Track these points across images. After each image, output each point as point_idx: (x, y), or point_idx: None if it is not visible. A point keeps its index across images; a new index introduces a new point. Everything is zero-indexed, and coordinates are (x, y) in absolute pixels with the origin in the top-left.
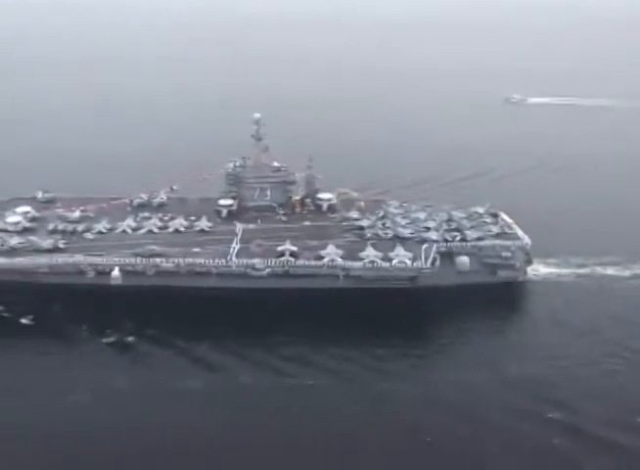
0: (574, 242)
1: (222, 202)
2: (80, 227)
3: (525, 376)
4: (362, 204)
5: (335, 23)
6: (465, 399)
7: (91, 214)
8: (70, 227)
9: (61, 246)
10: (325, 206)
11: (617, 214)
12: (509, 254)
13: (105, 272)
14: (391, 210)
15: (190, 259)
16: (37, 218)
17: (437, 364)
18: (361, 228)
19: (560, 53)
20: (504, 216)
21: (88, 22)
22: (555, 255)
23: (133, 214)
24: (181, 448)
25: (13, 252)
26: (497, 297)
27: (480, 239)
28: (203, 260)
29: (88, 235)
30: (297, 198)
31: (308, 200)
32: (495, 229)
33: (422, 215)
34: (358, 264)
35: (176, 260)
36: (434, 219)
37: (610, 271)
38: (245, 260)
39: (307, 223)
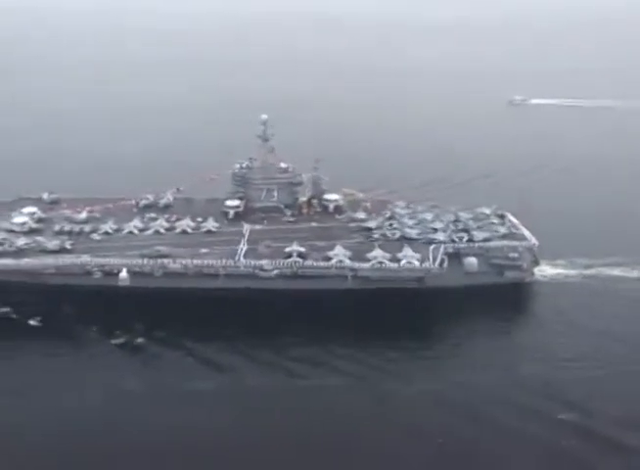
0: (581, 243)
1: (229, 203)
2: (87, 228)
3: (534, 377)
4: (368, 205)
5: (336, 23)
6: (474, 400)
7: (97, 215)
8: (77, 228)
9: (67, 247)
10: (332, 207)
11: (623, 215)
12: (516, 254)
13: (112, 273)
14: (398, 210)
15: (198, 261)
16: (43, 219)
17: (446, 365)
18: (369, 229)
19: (560, 53)
20: (511, 217)
21: (93, 24)
22: (562, 256)
23: (139, 215)
24: (190, 449)
25: (19, 252)
26: (504, 298)
27: (487, 240)
28: (211, 261)
29: (95, 236)
30: (304, 199)
31: (315, 201)
32: (502, 230)
33: (429, 216)
34: (366, 265)
35: (184, 262)
36: (442, 220)
37: (616, 272)
38: (253, 261)
39: (314, 224)
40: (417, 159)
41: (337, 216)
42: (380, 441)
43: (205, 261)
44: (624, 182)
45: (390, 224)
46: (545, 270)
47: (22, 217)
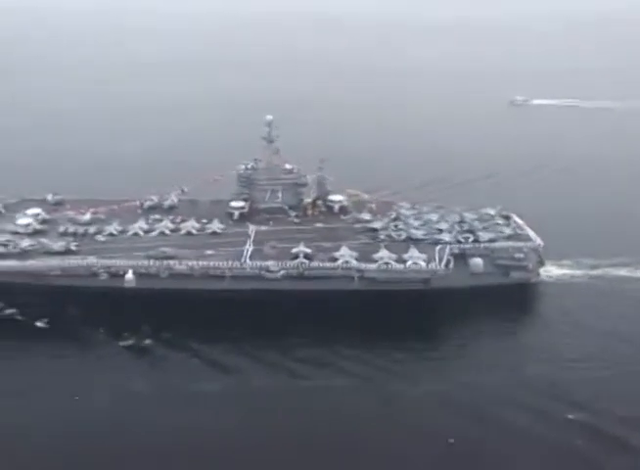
0: (586, 243)
1: (234, 204)
2: (91, 229)
3: (540, 377)
4: (373, 205)
5: (336, 23)
6: (480, 401)
7: (102, 217)
8: (82, 229)
9: (72, 248)
10: (336, 208)
11: (628, 216)
12: (522, 255)
13: (118, 275)
14: (403, 211)
15: (204, 262)
16: (47, 220)
17: (452, 366)
18: (374, 230)
19: (560, 54)
20: (516, 218)
21: (93, 24)
22: (567, 256)
23: (144, 217)
24: (196, 450)
25: (24, 254)
26: (510, 298)
27: (492, 240)
28: (217, 263)
29: (99, 237)
30: (309, 200)
31: (320, 202)
32: (508, 231)
33: (434, 217)
34: (373, 266)
35: (190, 263)
36: (447, 221)
37: (622, 272)
38: (259, 263)
39: (320, 225)
40: (418, 159)
41: (342, 217)
42: (386, 441)
43: (212, 263)
44: (629, 183)
45: (396, 225)
46: (551, 271)
47: (26, 219)
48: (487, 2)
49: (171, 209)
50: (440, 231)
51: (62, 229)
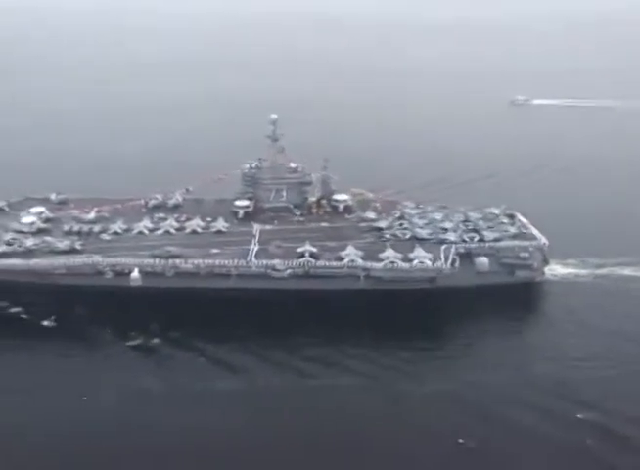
0: (590, 243)
1: (238, 203)
2: (96, 228)
3: (546, 376)
4: (378, 205)
5: (336, 23)
6: (485, 400)
7: (106, 215)
8: (86, 228)
9: (77, 247)
10: (341, 207)
11: (633, 215)
12: (527, 254)
13: (123, 273)
14: (408, 210)
15: (210, 261)
16: (51, 219)
17: (458, 365)
18: (379, 229)
19: (560, 54)
20: (520, 217)
21: (93, 24)
22: (571, 255)
23: (149, 215)
24: (203, 450)
25: (29, 253)
26: (515, 297)
27: (497, 240)
28: (223, 262)
29: (104, 236)
30: (314, 199)
31: (324, 201)
32: (512, 230)
33: (439, 216)
34: (379, 265)
35: (196, 262)
36: (451, 220)
37: (627, 272)
38: (265, 261)
39: (325, 224)
40: (420, 159)
41: (346, 216)
42: (393, 440)
43: (218, 262)
44: (630, 182)
45: (401, 224)
46: (556, 270)
47: (30, 217)
48: (487, 2)
49: (176, 207)
50: (445, 230)
51: (66, 228)
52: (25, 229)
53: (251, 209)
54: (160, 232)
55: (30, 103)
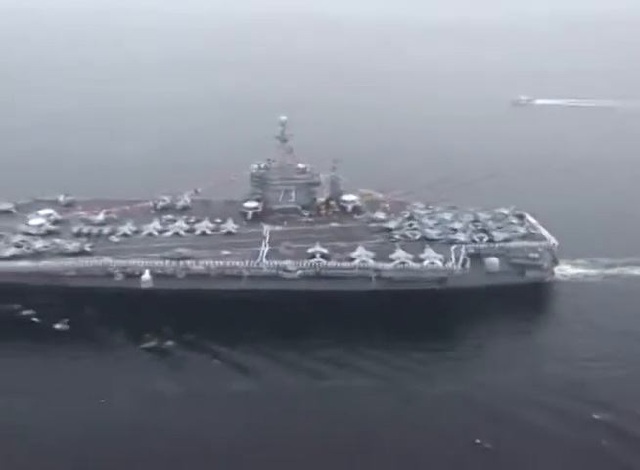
0: (599, 243)
1: (247, 204)
2: (105, 230)
3: (556, 377)
4: (387, 205)
5: (336, 23)
6: (496, 401)
7: (115, 217)
8: (95, 230)
9: (87, 249)
10: (350, 207)
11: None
12: (537, 254)
13: (134, 275)
14: (417, 211)
15: (221, 262)
16: (60, 221)
17: (469, 366)
18: (389, 230)
19: (560, 54)
20: (529, 218)
21: (93, 24)
22: (581, 256)
23: (158, 217)
24: (217, 451)
25: (38, 255)
26: (525, 297)
27: (507, 240)
28: (234, 263)
29: (114, 238)
30: (322, 200)
31: (333, 202)
32: (522, 230)
33: (448, 217)
34: (390, 266)
35: (207, 263)
36: (461, 221)
37: (637, 272)
38: (276, 262)
39: (334, 225)
40: (425, 159)
41: (355, 217)
42: (405, 442)
43: (229, 263)
44: (636, 182)
45: (410, 225)
46: (565, 270)
47: (38, 219)
48: (487, 3)
49: (184, 209)
50: (455, 231)
51: (75, 230)
52: (34, 231)
53: (259, 210)
54: (169, 234)
55: (30, 103)
